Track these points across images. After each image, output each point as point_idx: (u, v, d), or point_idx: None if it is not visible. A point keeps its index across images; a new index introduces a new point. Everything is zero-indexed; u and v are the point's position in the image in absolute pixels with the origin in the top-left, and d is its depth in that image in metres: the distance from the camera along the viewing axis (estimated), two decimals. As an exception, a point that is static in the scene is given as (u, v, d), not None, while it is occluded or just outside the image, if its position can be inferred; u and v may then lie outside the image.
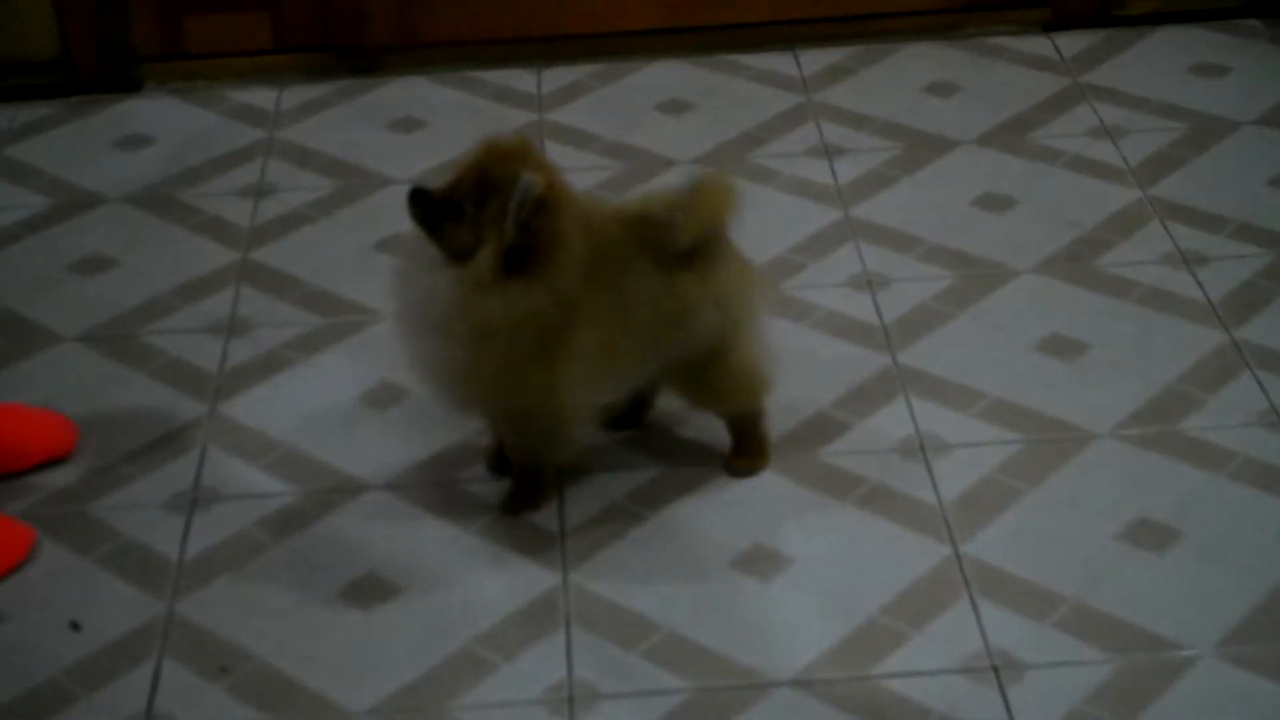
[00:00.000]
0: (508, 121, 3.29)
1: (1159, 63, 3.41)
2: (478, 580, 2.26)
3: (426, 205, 2.21)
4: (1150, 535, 2.15)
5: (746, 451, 2.43)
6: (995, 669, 1.98)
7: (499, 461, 2.44)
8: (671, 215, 2.29)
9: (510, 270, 2.18)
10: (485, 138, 2.28)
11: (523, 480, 2.39)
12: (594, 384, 2.31)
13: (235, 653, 2.09)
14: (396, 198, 3.04)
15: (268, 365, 2.57)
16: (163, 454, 2.38)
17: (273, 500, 2.29)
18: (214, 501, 2.29)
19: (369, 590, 2.23)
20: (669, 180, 2.97)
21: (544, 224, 2.17)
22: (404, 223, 2.93)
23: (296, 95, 3.49)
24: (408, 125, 3.35)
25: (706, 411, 2.45)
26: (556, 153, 3.20)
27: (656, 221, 2.31)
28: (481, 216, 2.18)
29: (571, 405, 2.31)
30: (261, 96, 3.50)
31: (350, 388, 2.50)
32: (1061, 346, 2.50)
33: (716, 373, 2.38)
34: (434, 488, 2.42)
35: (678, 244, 2.27)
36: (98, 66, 3.53)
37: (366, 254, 2.94)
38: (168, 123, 3.44)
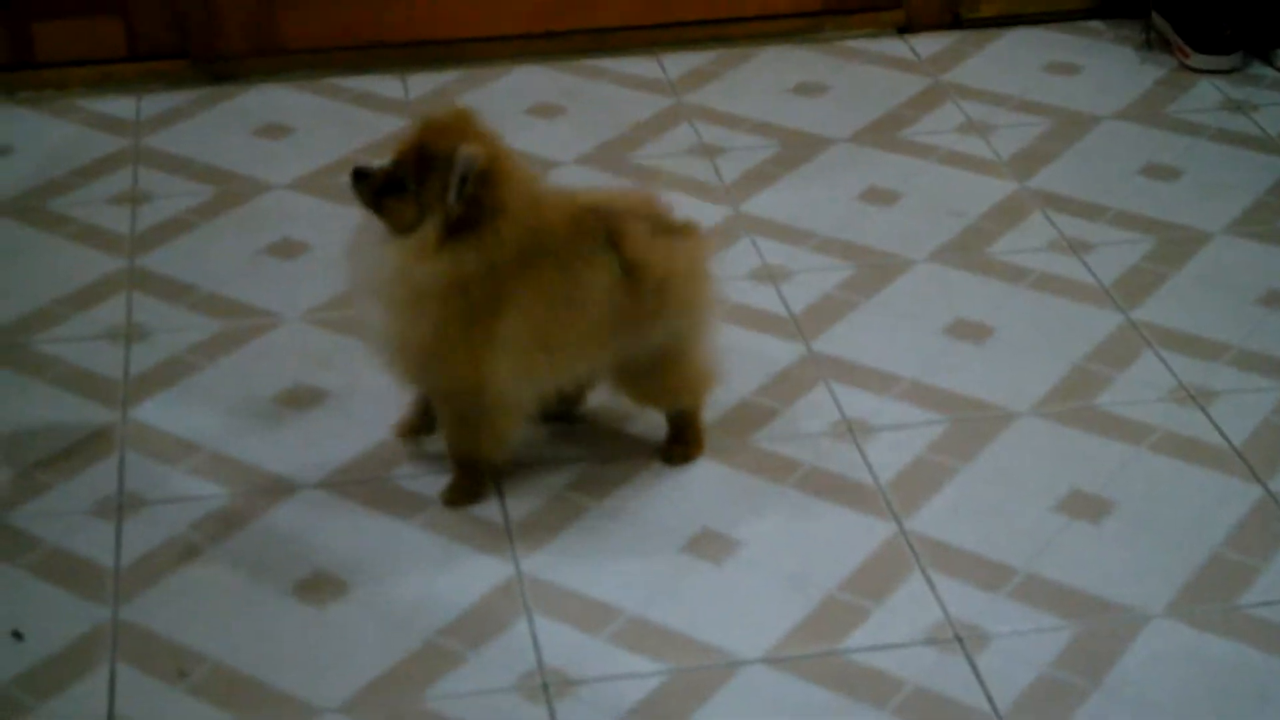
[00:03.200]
0: (378, 127, 3.32)
1: (1013, 62, 3.51)
2: (429, 574, 2.24)
3: (369, 184, 2.22)
4: (1085, 506, 2.22)
5: (684, 441, 2.44)
6: (959, 639, 2.02)
7: (409, 429, 2.46)
8: (635, 205, 2.35)
9: (460, 228, 2.20)
10: (424, 113, 2.29)
11: (462, 472, 2.38)
12: (528, 375, 2.30)
13: (190, 655, 2.05)
14: (277, 202, 3.13)
15: (174, 370, 2.52)
16: (78, 461, 2.31)
17: (204, 503, 2.24)
18: (142, 506, 2.24)
19: (319, 588, 2.20)
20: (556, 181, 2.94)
21: (486, 194, 2.19)
22: (290, 227, 2.95)
23: (156, 104, 3.46)
24: (275, 132, 3.33)
25: (649, 408, 2.47)
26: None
27: (620, 211, 2.32)
28: (424, 191, 2.20)
29: (505, 395, 2.30)
30: (119, 105, 3.45)
31: (265, 389, 2.46)
32: (968, 330, 2.55)
33: (665, 374, 2.40)
34: (368, 484, 2.39)
35: (643, 231, 2.29)
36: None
37: (255, 258, 2.92)
38: (24, 133, 3.39)
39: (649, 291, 2.30)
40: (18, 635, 2.07)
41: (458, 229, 2.21)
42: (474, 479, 2.38)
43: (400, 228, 2.22)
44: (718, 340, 2.40)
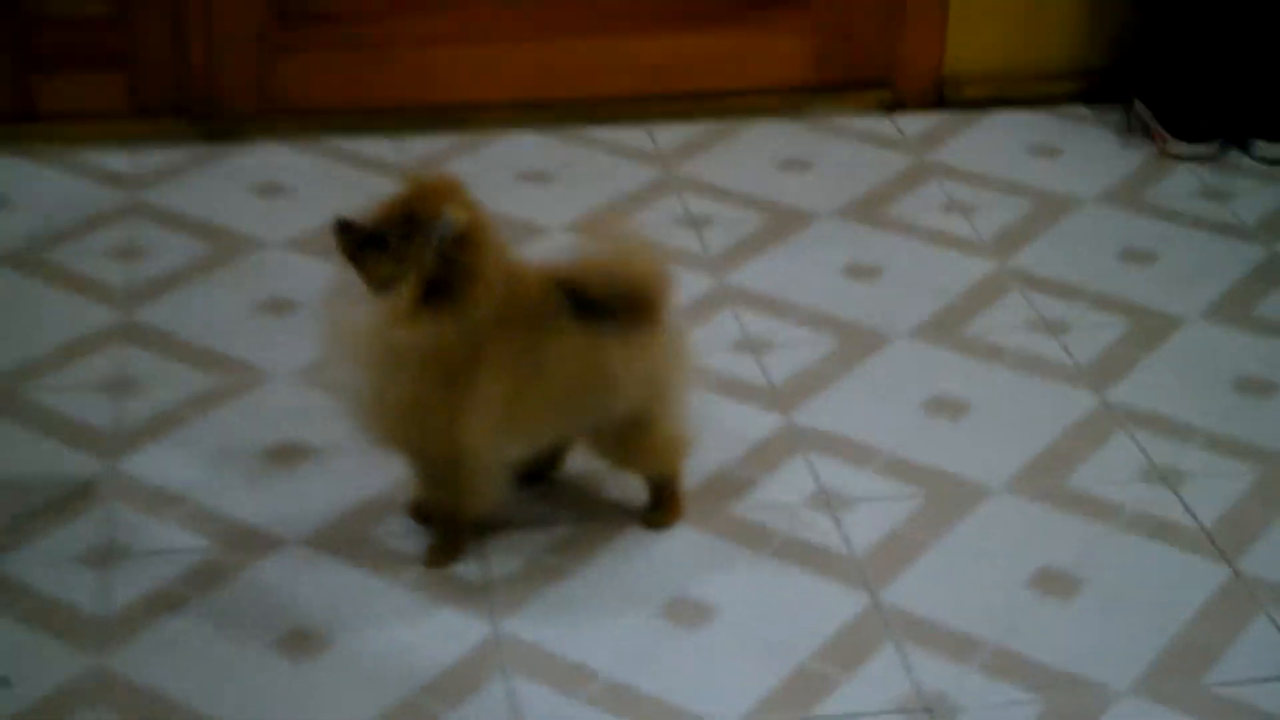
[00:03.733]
0: (371, 188, 3.12)
1: (996, 144, 3.52)
2: (410, 632, 2.24)
3: (352, 236, 2.22)
4: (1056, 583, 2.24)
5: (663, 506, 2.45)
6: (929, 710, 2.04)
7: (421, 512, 2.41)
8: (611, 277, 2.32)
9: (427, 304, 2.20)
10: (413, 176, 2.32)
11: (443, 532, 2.39)
12: (502, 437, 2.31)
13: (176, 707, 2.06)
14: (272, 260, 3.13)
15: (164, 423, 2.53)
16: (67, 511, 2.32)
17: (190, 555, 2.26)
18: (128, 557, 2.25)
19: (302, 643, 2.21)
20: (541, 248, 2.95)
21: (462, 259, 2.20)
22: (282, 285, 2.95)
23: (155, 160, 3.46)
24: (271, 191, 3.34)
25: (629, 470, 2.48)
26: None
27: (594, 282, 2.32)
28: (405, 250, 2.20)
29: (479, 455, 2.31)
30: (118, 160, 3.46)
31: (253, 444, 2.48)
32: (945, 406, 2.58)
33: (638, 440, 2.41)
34: (353, 542, 2.41)
35: (622, 304, 2.30)
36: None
37: (248, 314, 2.93)
38: (23, 185, 3.38)
39: (619, 355, 2.32)
40: (4, 681, 2.09)
41: (434, 292, 2.21)
42: (454, 538, 2.39)
43: (376, 284, 2.22)
44: (691, 409, 2.41)
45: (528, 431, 2.36)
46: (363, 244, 2.22)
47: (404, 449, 2.36)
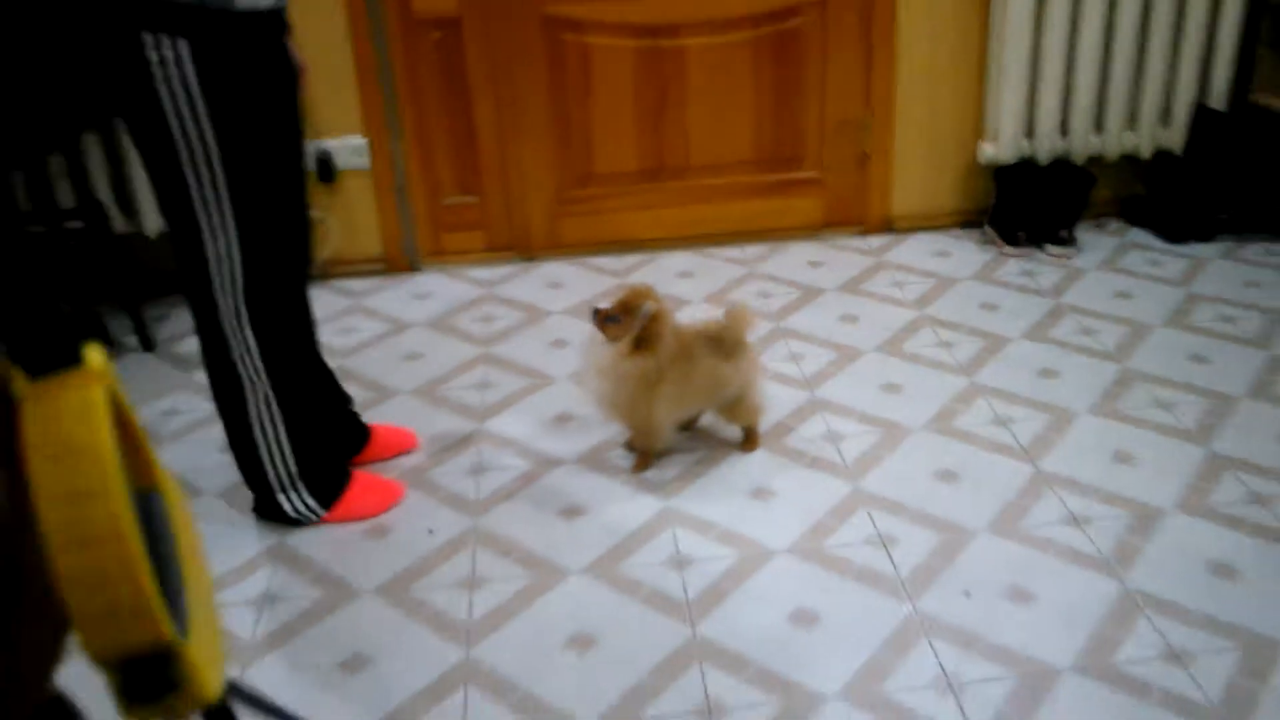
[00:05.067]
0: (604, 284, 3.51)
1: (917, 249, 3.69)
2: (624, 505, 2.32)
3: (600, 315, 2.33)
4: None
5: (749, 441, 2.57)
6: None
7: (630, 447, 2.57)
8: (723, 329, 2.44)
9: (637, 347, 2.33)
10: (630, 284, 2.42)
11: (641, 457, 2.52)
12: (673, 412, 2.45)
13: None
14: (554, 322, 3.20)
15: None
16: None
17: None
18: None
19: (571, 513, 2.31)
20: (690, 313, 3.22)
21: (653, 327, 2.32)
22: (563, 335, 3.14)
23: (500, 272, 3.65)
24: (555, 286, 3.52)
25: (733, 423, 2.59)
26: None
27: (715, 332, 2.45)
28: (628, 323, 2.33)
29: (661, 423, 2.44)
30: (481, 273, 3.66)
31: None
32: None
33: (738, 408, 2.52)
34: (602, 465, 2.47)
35: (729, 341, 2.42)
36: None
37: (545, 347, 2.96)
38: (441, 285, 3.53)
39: (727, 368, 2.42)
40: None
41: (639, 345, 2.32)
42: (645, 459, 2.52)
43: (612, 339, 2.35)
44: (762, 393, 2.55)
45: (685, 410, 2.49)
46: (606, 320, 2.33)
47: (623, 421, 2.46)
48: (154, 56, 1.93)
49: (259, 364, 2.26)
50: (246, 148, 2.05)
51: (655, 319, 2.29)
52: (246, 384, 2.28)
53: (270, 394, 2.30)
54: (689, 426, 2.64)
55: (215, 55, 1.96)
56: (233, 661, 2.12)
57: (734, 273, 3.53)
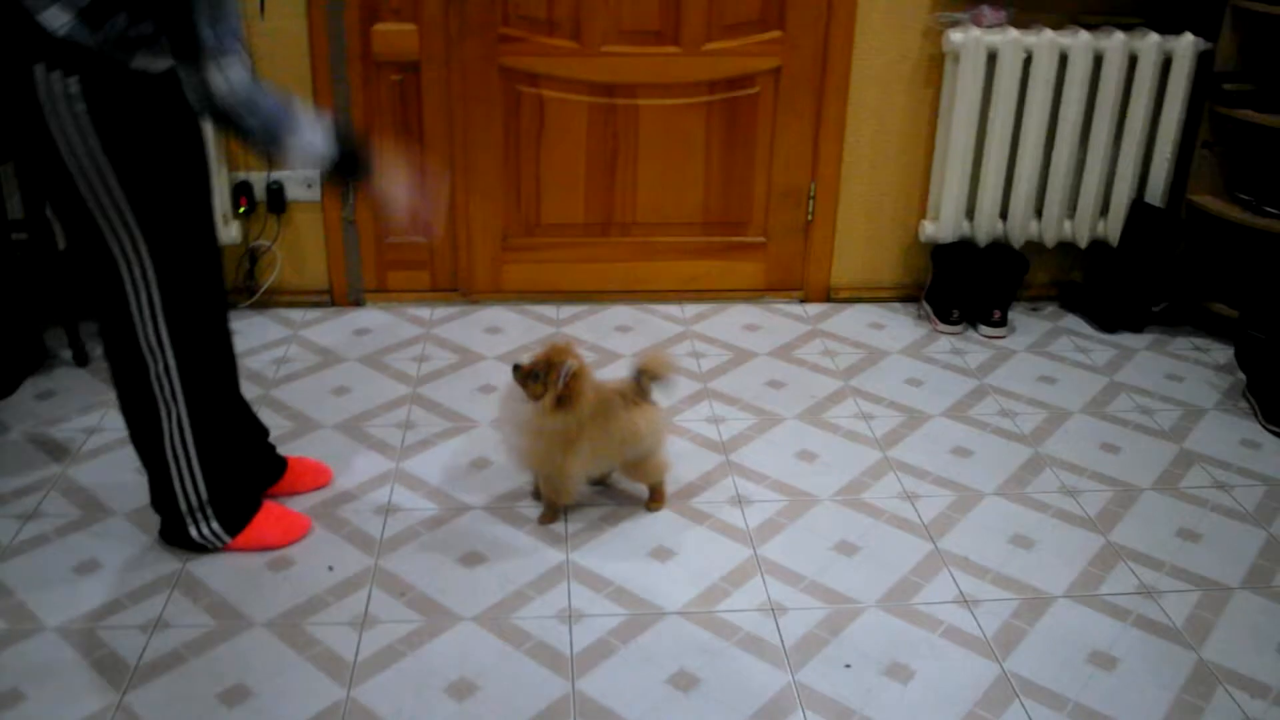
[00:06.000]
0: (542, 331, 3.55)
1: (853, 320, 3.72)
2: (526, 559, 2.33)
3: (521, 372, 2.38)
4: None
5: (658, 498, 2.61)
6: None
7: (537, 495, 2.60)
8: (641, 371, 2.47)
9: (558, 405, 2.36)
10: (551, 340, 2.59)
11: (548, 508, 2.56)
12: (588, 468, 2.49)
13: None
14: (487, 365, 3.16)
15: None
16: None
17: None
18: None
19: (475, 560, 2.31)
20: (620, 366, 3.25)
21: (574, 385, 2.35)
22: (492, 379, 3.14)
23: (440, 312, 3.67)
24: (494, 330, 3.55)
25: (639, 481, 2.63)
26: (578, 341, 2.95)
27: (631, 383, 2.45)
28: (547, 379, 2.35)
29: (572, 477, 2.47)
30: (423, 312, 3.68)
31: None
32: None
33: (647, 464, 2.55)
34: (511, 514, 2.47)
35: (647, 385, 2.43)
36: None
37: (475, 387, 3.09)
38: (377, 319, 3.57)
39: (640, 420, 2.45)
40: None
41: (560, 403, 2.35)
42: (554, 513, 2.56)
43: (533, 396, 2.38)
44: (668, 450, 2.59)
45: (599, 466, 2.52)
46: (526, 376, 2.37)
47: (536, 471, 2.51)
48: (43, 90, 1.94)
49: (176, 386, 2.25)
50: (147, 181, 2.05)
51: (576, 377, 2.31)
52: (161, 407, 2.28)
53: (185, 419, 2.30)
54: (602, 481, 2.67)
55: (107, 95, 1.97)
56: (111, 687, 2.14)
57: (671, 330, 3.55)
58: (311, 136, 2.04)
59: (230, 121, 1.97)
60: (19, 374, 3.16)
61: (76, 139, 1.98)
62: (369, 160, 2.16)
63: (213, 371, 2.32)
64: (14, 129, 2.00)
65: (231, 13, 1.91)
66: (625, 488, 2.70)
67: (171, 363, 2.23)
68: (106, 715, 2.05)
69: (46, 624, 2.29)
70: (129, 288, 2.16)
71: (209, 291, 2.28)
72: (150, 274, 2.15)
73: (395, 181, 2.19)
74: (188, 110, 2.10)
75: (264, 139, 2.00)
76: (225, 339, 2.36)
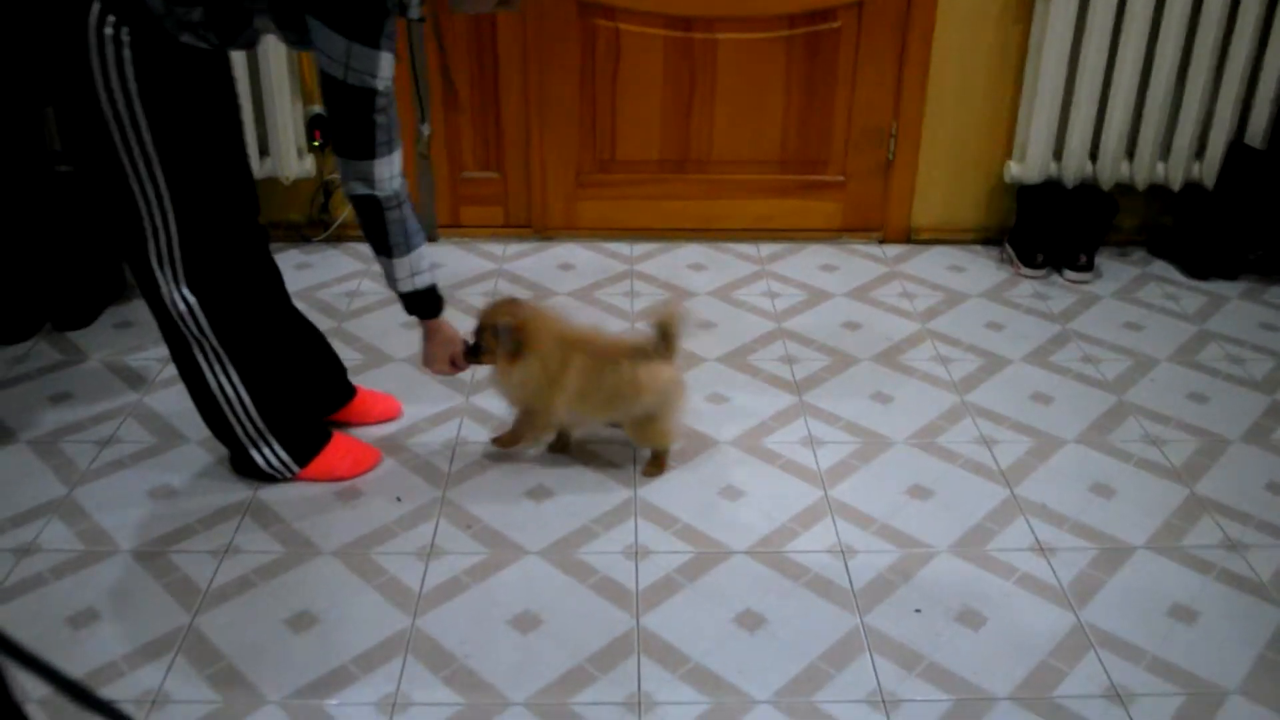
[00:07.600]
0: (616, 268, 3.56)
1: (933, 262, 3.69)
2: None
3: (471, 350, 2.41)
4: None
5: (657, 465, 2.53)
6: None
7: (508, 440, 2.54)
8: (657, 325, 2.41)
9: (513, 358, 2.36)
10: (485, 303, 2.46)
11: (514, 432, 2.52)
12: (571, 409, 2.43)
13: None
14: (561, 300, 3.20)
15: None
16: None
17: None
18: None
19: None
20: (695, 303, 3.30)
21: (520, 335, 2.34)
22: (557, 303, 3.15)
23: (513, 249, 3.72)
24: (566, 267, 3.57)
25: (641, 444, 2.55)
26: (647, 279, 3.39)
27: (646, 337, 2.39)
28: (492, 343, 2.38)
29: (556, 413, 2.44)
30: (495, 248, 3.71)
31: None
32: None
33: (651, 428, 2.47)
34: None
35: (662, 339, 2.35)
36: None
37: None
38: (454, 257, 3.61)
39: (644, 378, 2.37)
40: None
41: (513, 356, 2.36)
42: (518, 437, 2.52)
43: (490, 360, 2.41)
44: (681, 418, 2.48)
45: (586, 412, 2.44)
46: (471, 352, 2.41)
47: (522, 408, 2.48)
48: (94, 31, 1.98)
49: (204, 324, 2.28)
50: (178, 135, 2.10)
51: (519, 329, 2.31)
52: (193, 344, 2.31)
53: (219, 350, 2.32)
54: (564, 446, 2.65)
55: (154, 49, 2.02)
56: (183, 609, 2.20)
57: (745, 269, 3.56)
58: (401, 274, 2.23)
59: (366, 215, 2.15)
60: (98, 304, 3.25)
61: (116, 84, 2.02)
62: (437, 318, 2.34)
63: (242, 311, 2.34)
64: (56, 65, 2.02)
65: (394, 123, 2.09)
66: (692, 425, 2.71)
67: (194, 303, 2.25)
68: (177, 637, 2.12)
69: (121, 547, 2.36)
70: (148, 232, 2.19)
71: (234, 238, 2.30)
72: (171, 222, 2.19)
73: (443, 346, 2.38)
74: (225, 74, 2.17)
75: (373, 242, 2.19)
76: (258, 276, 2.38)
